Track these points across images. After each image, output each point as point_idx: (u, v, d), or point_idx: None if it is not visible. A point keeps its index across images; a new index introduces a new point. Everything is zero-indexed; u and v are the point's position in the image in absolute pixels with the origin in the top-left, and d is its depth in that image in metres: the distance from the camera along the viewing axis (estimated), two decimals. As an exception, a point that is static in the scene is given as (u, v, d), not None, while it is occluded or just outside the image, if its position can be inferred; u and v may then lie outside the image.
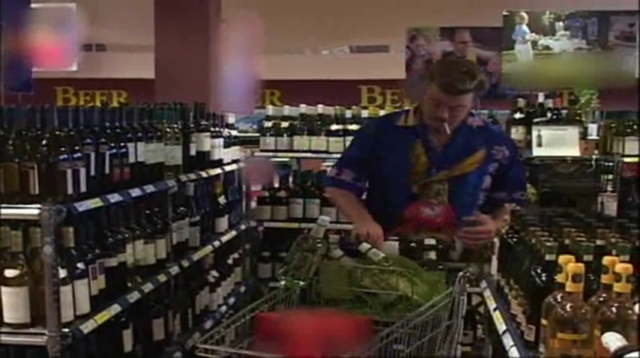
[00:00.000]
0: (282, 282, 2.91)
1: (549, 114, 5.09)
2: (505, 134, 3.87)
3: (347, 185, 3.68)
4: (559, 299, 2.15)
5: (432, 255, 3.30)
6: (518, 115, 5.19)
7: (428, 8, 9.95)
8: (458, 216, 3.46)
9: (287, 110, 6.03)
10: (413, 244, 3.29)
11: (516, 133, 5.07)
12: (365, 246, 3.01)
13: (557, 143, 4.59)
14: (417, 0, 9.82)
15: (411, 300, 2.75)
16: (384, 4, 10.12)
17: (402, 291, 2.78)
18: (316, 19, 11.29)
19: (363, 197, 3.74)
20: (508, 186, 3.65)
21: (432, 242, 3.31)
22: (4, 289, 2.99)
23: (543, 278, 2.49)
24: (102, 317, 3.26)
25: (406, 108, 3.81)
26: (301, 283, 2.89)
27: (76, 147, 3.15)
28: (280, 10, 10.12)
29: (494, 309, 3.15)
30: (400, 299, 2.78)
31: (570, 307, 2.11)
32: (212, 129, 5.07)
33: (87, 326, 3.14)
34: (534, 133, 4.68)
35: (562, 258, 2.20)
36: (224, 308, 5.21)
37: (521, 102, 5.26)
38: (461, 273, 2.87)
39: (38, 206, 2.97)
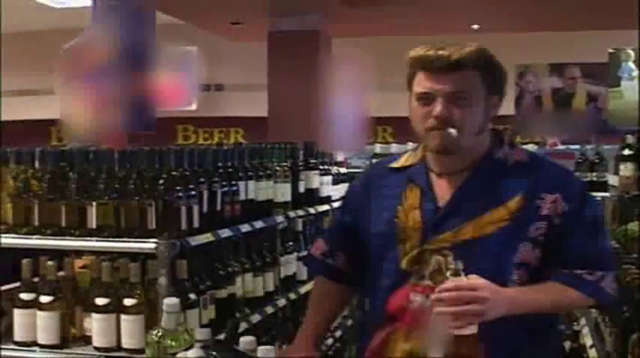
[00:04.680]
0: None
1: (659, 150, 5.01)
2: (568, 176, 2.42)
3: (313, 263, 2.74)
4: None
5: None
6: (626, 152, 5.14)
7: (536, 45, 9.89)
8: None
9: (394, 148, 6.17)
10: None
11: (625, 170, 5.01)
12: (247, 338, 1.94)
13: (667, 180, 4.52)
14: (524, 37, 9.78)
15: None
16: (492, 41, 10.12)
17: None
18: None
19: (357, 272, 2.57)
20: (567, 261, 2.25)
21: None
22: (123, 317, 3.21)
23: (634, 316, 2.52)
24: (212, 345, 3.43)
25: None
26: None
27: (191, 186, 3.36)
28: (392, 47, 10.27)
29: (591, 346, 3.18)
30: None
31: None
32: (321, 167, 5.22)
33: (198, 354, 3.31)
34: (644, 170, 4.62)
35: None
36: (330, 340, 5.32)
37: (630, 138, 5.19)
38: None
39: (155, 240, 3.18)
